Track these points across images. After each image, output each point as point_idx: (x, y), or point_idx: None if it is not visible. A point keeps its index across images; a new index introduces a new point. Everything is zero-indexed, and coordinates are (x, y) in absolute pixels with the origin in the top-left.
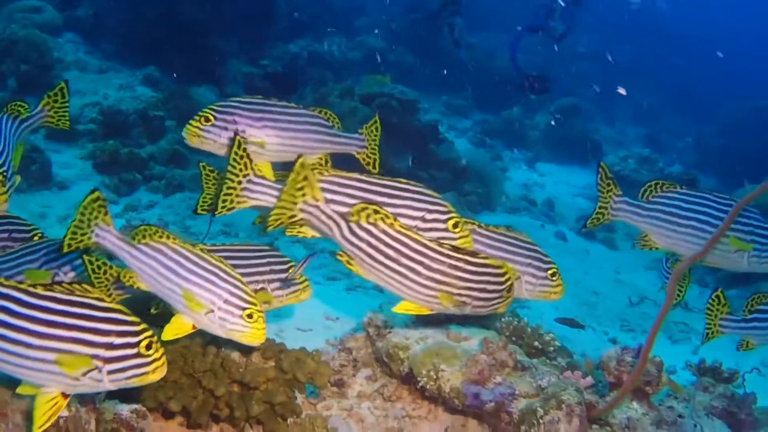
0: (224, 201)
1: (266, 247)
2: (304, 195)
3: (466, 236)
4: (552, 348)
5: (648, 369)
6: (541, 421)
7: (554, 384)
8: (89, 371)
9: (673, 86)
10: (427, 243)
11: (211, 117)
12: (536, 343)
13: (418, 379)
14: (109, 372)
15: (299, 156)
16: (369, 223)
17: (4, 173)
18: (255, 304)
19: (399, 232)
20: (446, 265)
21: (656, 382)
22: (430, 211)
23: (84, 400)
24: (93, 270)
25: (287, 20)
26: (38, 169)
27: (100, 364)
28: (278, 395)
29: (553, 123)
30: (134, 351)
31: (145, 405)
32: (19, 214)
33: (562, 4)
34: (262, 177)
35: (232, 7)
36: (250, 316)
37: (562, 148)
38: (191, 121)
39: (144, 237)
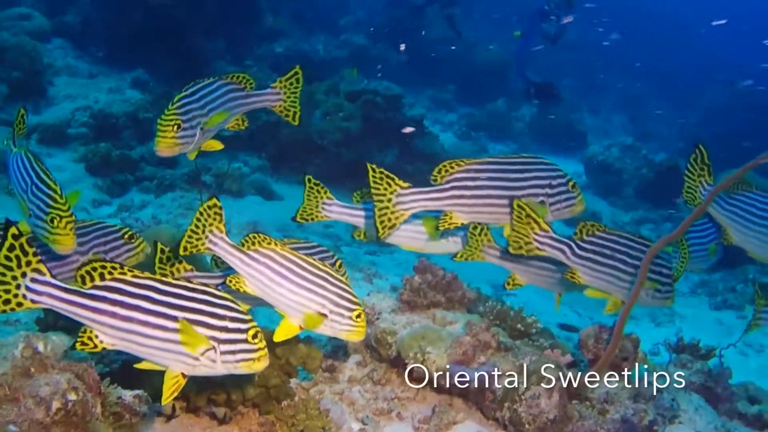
0: (382, 222)
1: (315, 243)
2: (533, 228)
3: (580, 194)
4: (534, 330)
5: (625, 345)
6: (523, 397)
7: (535, 362)
8: (207, 351)
9: (657, 73)
10: (625, 234)
11: (179, 122)
12: (519, 326)
13: (406, 361)
14: (223, 353)
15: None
16: (591, 236)
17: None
18: (359, 305)
19: (610, 232)
20: (638, 251)
21: (633, 358)
22: (554, 177)
23: (90, 385)
24: (160, 259)
25: (271, 20)
26: None
27: (215, 344)
28: (272, 379)
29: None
30: (243, 336)
31: (146, 391)
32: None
33: (553, 7)
34: (409, 187)
35: (216, 8)
36: (358, 316)
37: (546, 139)
38: (163, 134)
39: (254, 244)
